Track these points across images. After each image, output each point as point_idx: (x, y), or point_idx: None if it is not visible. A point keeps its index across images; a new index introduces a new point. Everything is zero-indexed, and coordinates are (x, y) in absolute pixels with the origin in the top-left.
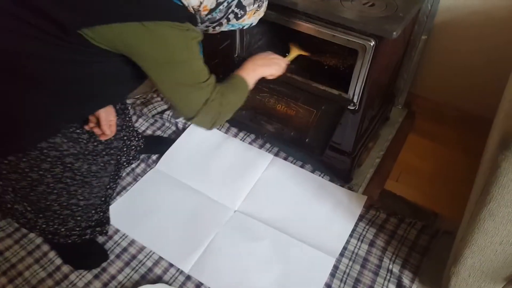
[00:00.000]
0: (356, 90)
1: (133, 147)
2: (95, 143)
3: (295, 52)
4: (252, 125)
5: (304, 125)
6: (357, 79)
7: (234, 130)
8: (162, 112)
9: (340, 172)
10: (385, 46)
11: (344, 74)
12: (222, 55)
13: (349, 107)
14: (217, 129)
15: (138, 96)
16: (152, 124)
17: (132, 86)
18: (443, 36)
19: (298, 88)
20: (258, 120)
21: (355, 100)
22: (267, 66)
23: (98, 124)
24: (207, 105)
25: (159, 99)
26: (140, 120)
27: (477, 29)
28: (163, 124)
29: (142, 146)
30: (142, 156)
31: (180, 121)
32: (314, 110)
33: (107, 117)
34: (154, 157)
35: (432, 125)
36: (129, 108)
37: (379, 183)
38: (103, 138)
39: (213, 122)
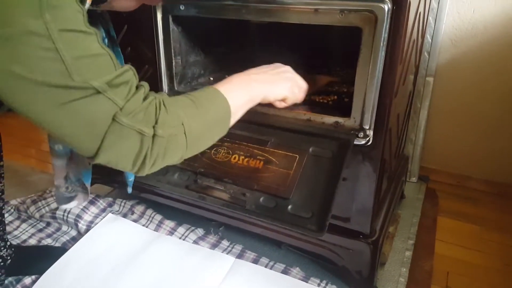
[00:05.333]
0: (365, 106)
1: None
2: None
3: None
4: (190, 194)
5: (281, 182)
6: (366, 84)
7: (169, 224)
8: (56, 209)
9: (354, 275)
10: (406, 14)
11: (340, 87)
12: None
13: (356, 141)
14: (143, 224)
15: (32, 195)
16: (40, 230)
17: None
18: (452, 77)
19: (264, 125)
20: (200, 184)
21: (365, 126)
22: (271, 82)
23: None
24: (120, 123)
25: None
26: (24, 225)
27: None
28: (59, 228)
29: (9, 260)
30: (7, 281)
31: (83, 221)
32: (296, 156)
33: None
34: (27, 280)
35: (460, 204)
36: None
37: None
38: None
39: (141, 157)
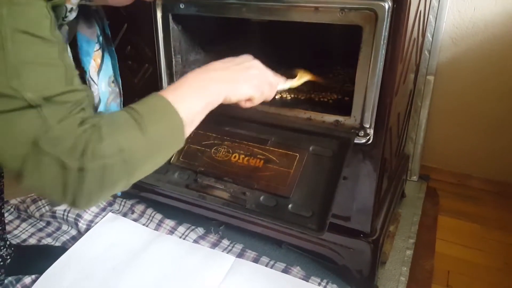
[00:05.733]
0: (366, 104)
1: None
2: None
3: (303, 77)
4: (190, 193)
5: (281, 181)
6: (367, 83)
7: (169, 223)
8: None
9: (355, 274)
10: (407, 13)
11: (340, 86)
12: (141, 92)
13: (357, 140)
14: (143, 224)
15: (31, 195)
16: (40, 229)
17: None
18: (452, 76)
19: (265, 124)
20: (200, 183)
21: (366, 125)
22: (234, 81)
23: None
24: (40, 149)
25: None
26: (24, 224)
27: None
28: (59, 228)
29: (8, 260)
30: (7, 280)
31: (83, 220)
32: (296, 154)
33: None
34: (27, 280)
35: (460, 203)
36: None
37: None
38: None
39: (70, 191)
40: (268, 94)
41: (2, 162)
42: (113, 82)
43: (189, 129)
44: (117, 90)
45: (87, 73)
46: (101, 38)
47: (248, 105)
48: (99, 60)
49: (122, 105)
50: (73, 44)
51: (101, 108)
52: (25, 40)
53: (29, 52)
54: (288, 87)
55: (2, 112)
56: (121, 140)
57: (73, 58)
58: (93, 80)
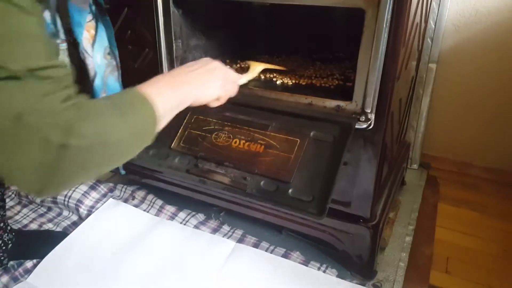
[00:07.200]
0: (367, 89)
1: None
2: None
3: (256, 66)
4: (191, 178)
5: (282, 166)
6: (368, 67)
7: (170, 209)
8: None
9: (354, 259)
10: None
11: (341, 71)
12: (142, 77)
13: (358, 125)
14: (144, 210)
15: None
16: (41, 215)
17: None
18: (455, 63)
19: (265, 109)
20: (201, 168)
21: (367, 110)
22: (202, 83)
23: None
24: (23, 122)
25: None
26: (25, 210)
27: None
28: (60, 213)
29: (10, 245)
30: (9, 265)
31: (84, 206)
32: (297, 140)
33: None
34: (29, 264)
35: (461, 191)
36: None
37: (420, 277)
38: None
39: (46, 172)
40: (232, 91)
41: None
42: (109, 54)
43: (160, 125)
44: (114, 63)
45: (80, 44)
46: (93, 8)
47: (215, 104)
48: (93, 31)
49: (120, 79)
50: (65, 14)
51: (97, 81)
52: (2, 8)
53: (8, 22)
54: (247, 81)
55: None
56: (101, 123)
57: (66, 29)
58: (87, 52)
